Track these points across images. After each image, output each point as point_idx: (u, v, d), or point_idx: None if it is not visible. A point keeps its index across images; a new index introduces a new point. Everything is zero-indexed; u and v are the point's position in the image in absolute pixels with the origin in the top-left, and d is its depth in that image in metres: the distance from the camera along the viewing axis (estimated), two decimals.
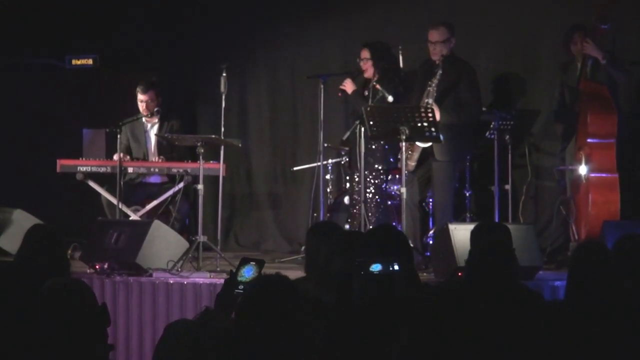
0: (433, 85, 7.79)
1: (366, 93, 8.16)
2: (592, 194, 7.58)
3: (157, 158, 8.53)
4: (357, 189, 8.11)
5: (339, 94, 8.21)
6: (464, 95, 7.81)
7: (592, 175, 7.63)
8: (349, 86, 8.12)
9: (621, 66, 7.94)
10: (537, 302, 3.60)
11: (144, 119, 8.64)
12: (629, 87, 8.26)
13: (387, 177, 8.23)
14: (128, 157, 8.49)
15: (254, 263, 3.74)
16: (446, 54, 7.81)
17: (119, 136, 7.98)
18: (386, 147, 8.18)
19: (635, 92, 8.53)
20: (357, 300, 3.62)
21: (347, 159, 8.47)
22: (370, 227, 7.54)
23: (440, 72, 7.77)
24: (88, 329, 3.21)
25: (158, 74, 9.08)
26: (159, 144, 8.63)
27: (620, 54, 8.23)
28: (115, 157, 8.17)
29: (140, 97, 8.54)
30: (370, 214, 8.04)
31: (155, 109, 8.54)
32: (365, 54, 8.16)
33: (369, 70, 8.15)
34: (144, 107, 8.54)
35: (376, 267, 3.70)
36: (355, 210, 8.17)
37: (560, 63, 8.37)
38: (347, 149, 8.44)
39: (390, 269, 3.68)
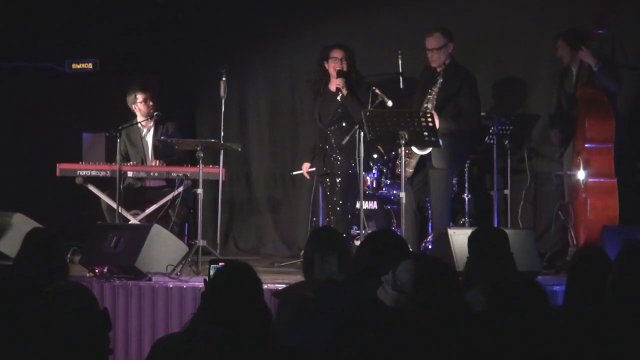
0: (433, 93, 7.78)
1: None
2: (590, 199, 7.56)
3: (155, 162, 8.54)
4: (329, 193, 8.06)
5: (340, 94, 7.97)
6: (464, 104, 7.78)
7: (591, 180, 7.60)
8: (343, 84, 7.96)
9: (613, 75, 7.84)
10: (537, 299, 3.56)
11: (139, 125, 8.66)
12: (624, 93, 8.23)
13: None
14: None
15: (222, 263, 4.02)
16: (446, 61, 7.79)
17: (118, 140, 7.99)
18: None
19: (634, 98, 8.52)
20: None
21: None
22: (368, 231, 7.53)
23: (441, 80, 7.76)
24: (90, 333, 3.21)
25: (158, 78, 9.09)
26: (155, 148, 8.64)
27: (620, 59, 8.21)
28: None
29: (140, 96, 8.57)
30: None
31: (156, 113, 8.56)
32: (340, 53, 7.94)
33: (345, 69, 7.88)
34: (143, 106, 8.56)
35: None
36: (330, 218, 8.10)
37: (558, 69, 8.34)
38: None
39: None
